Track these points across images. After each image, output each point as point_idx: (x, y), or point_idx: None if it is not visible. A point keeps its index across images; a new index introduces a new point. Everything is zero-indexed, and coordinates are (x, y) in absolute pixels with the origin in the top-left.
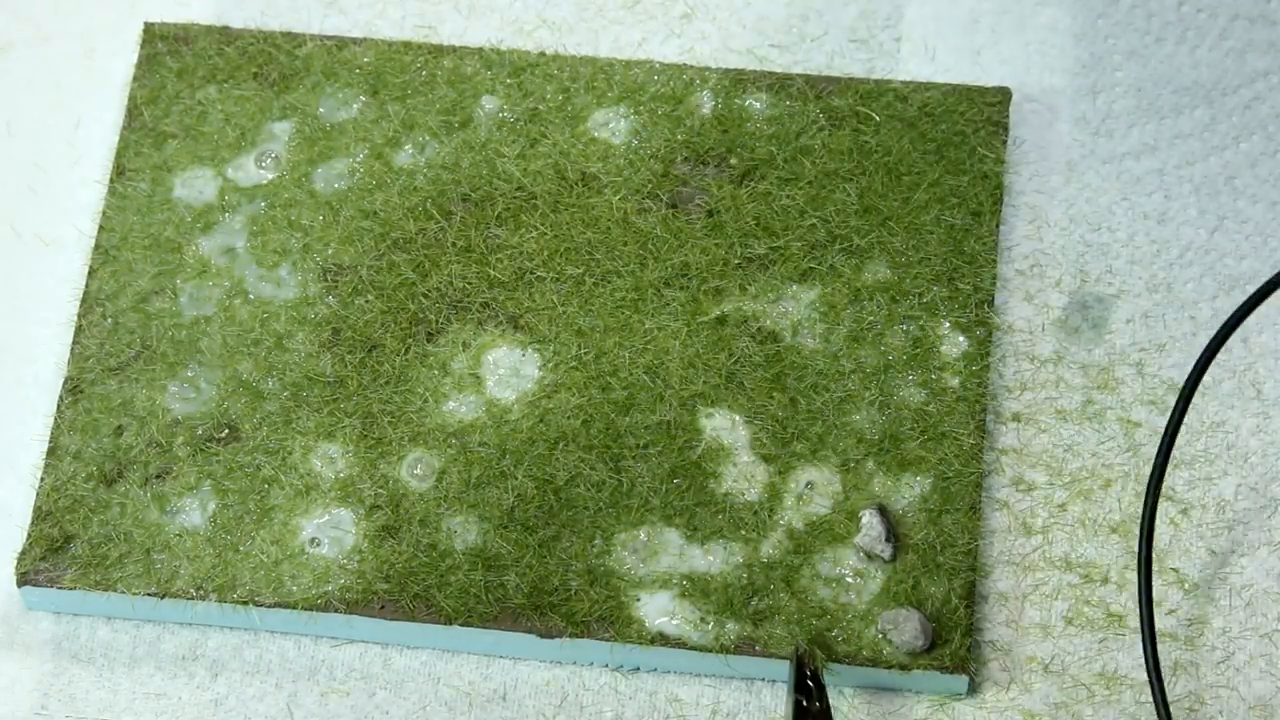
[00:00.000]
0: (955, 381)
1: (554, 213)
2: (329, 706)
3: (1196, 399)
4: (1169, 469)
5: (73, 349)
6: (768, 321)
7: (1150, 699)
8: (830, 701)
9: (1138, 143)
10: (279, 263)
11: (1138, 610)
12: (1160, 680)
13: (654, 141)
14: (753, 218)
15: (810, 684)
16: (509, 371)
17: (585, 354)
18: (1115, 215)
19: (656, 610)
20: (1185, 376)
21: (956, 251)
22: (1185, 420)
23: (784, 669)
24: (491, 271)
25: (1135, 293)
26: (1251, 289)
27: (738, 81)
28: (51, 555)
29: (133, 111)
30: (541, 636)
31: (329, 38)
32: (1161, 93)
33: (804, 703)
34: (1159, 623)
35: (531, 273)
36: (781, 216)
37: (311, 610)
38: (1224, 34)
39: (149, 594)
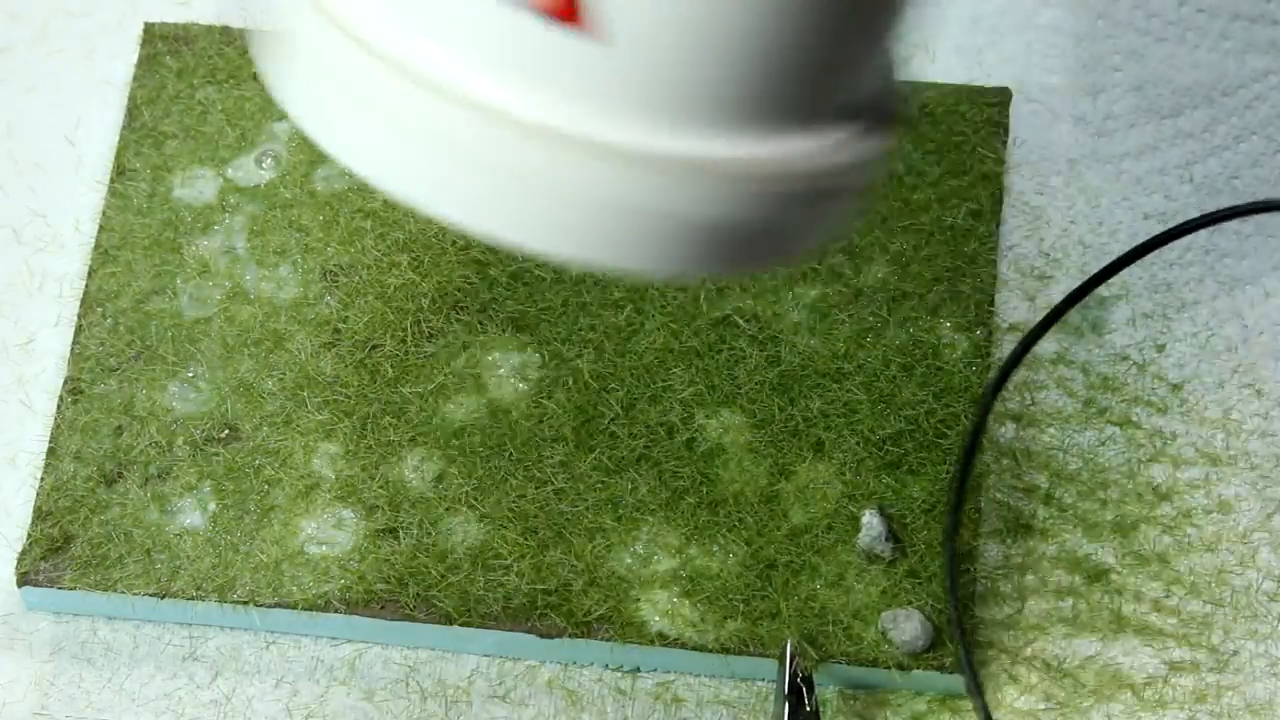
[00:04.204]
0: (955, 381)
1: None
2: (329, 706)
3: (1196, 398)
4: (1170, 469)
5: (73, 349)
6: (768, 322)
7: (1159, 697)
8: (820, 701)
9: (1138, 143)
10: (279, 263)
11: (1136, 609)
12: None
13: None
14: None
15: (800, 684)
16: (509, 371)
17: (585, 354)
18: (1115, 215)
19: (656, 610)
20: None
21: (956, 251)
22: (1185, 419)
23: None
24: (491, 271)
25: (1135, 293)
26: (1252, 289)
27: None
28: (51, 555)
29: (133, 111)
30: (541, 636)
31: None
32: (1161, 93)
33: (793, 703)
34: (1160, 624)
35: (531, 273)
36: None
37: (311, 610)
38: (1224, 34)
39: (149, 594)
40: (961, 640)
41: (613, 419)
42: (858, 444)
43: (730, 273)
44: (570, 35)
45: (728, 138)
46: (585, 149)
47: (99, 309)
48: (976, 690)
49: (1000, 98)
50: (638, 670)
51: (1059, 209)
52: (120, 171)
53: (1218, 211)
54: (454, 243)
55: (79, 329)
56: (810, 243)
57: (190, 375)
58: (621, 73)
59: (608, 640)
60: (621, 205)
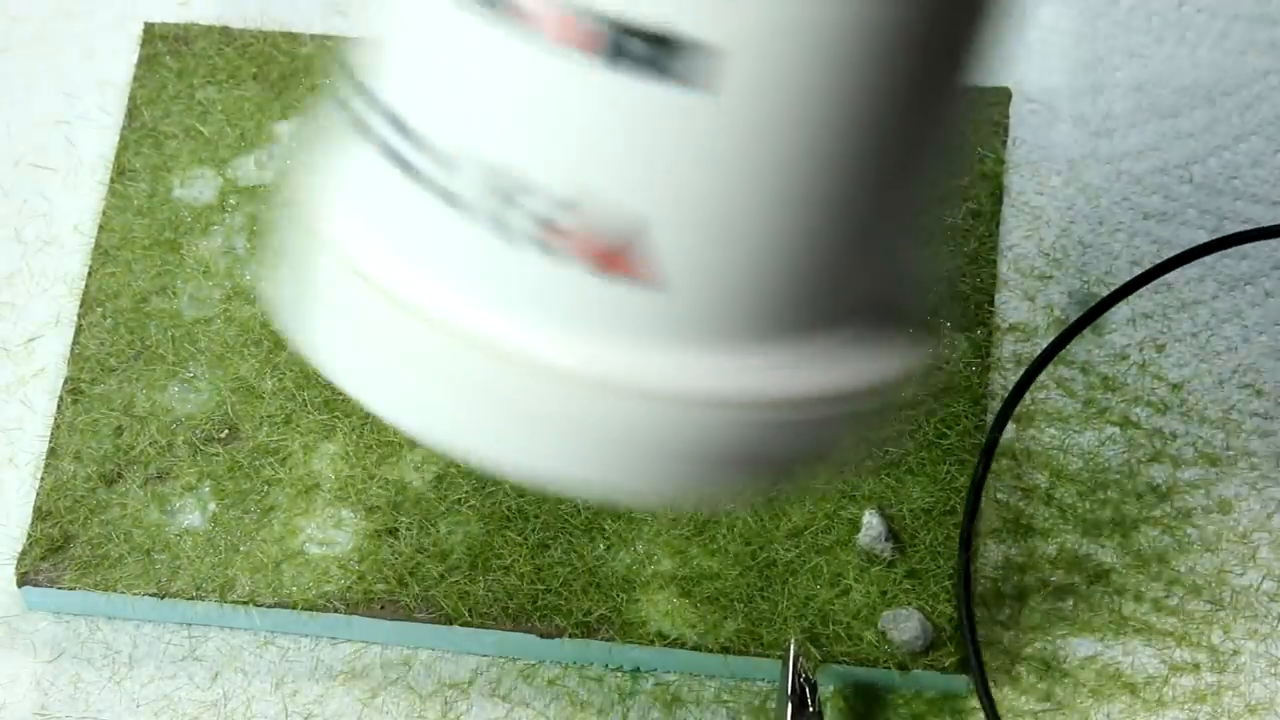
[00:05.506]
0: (955, 382)
1: None
2: (329, 706)
3: (1196, 398)
4: (1170, 469)
5: (73, 349)
6: None
7: (1159, 697)
8: (824, 703)
9: (1138, 143)
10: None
11: (1136, 609)
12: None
13: None
14: None
15: (804, 686)
16: None
17: None
18: (1115, 215)
19: (656, 610)
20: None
21: (956, 251)
22: (1185, 419)
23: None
24: None
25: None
26: (1252, 290)
27: None
28: (51, 555)
29: (133, 111)
30: (542, 636)
31: (329, 38)
32: (1161, 93)
33: (797, 705)
34: (1160, 624)
35: None
36: None
37: (311, 610)
38: (1224, 34)
39: (149, 594)
40: (975, 653)
41: None
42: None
43: (757, 491)
44: (620, 283)
45: (770, 362)
46: (634, 391)
47: (99, 309)
48: (988, 703)
49: (1000, 98)
50: (638, 670)
51: (1059, 209)
52: (120, 171)
53: (1240, 234)
54: None
55: (79, 329)
56: (823, 458)
57: (190, 375)
58: (674, 313)
59: (608, 640)
60: (651, 437)
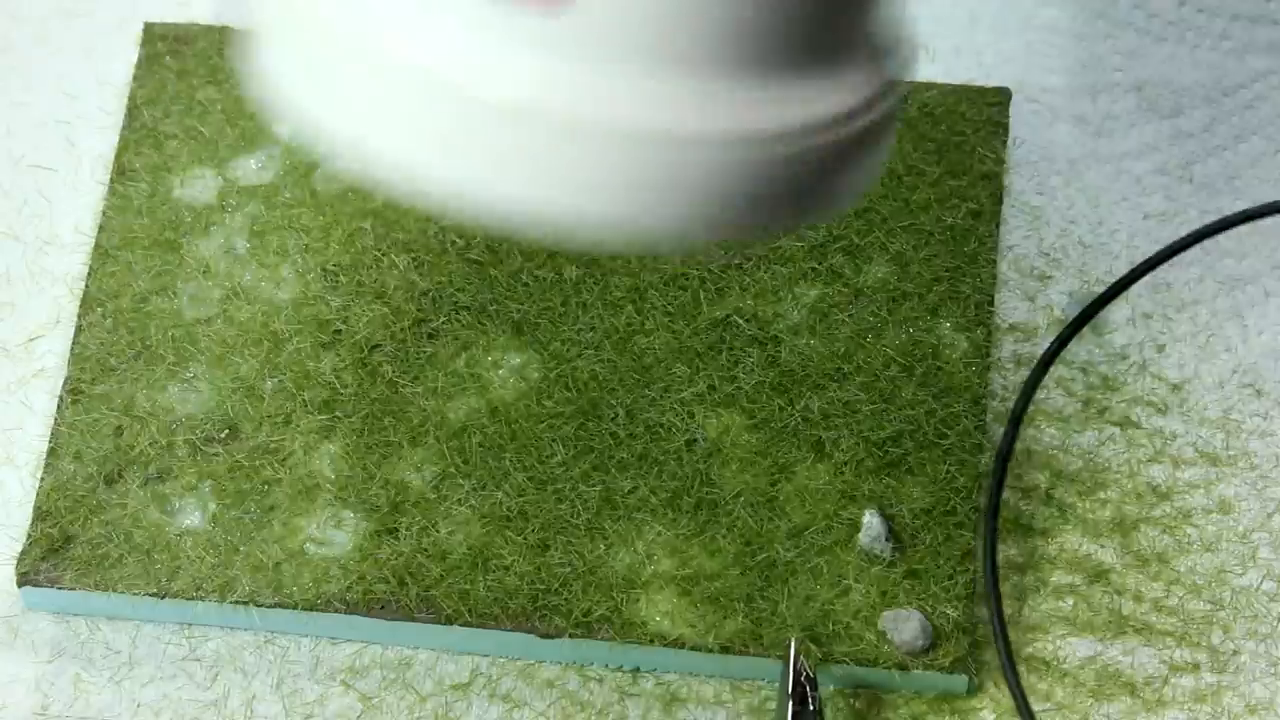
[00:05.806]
0: (955, 381)
1: None
2: (329, 706)
3: (1196, 398)
4: (1170, 469)
5: (73, 349)
6: (768, 322)
7: (1159, 697)
8: (823, 701)
9: (1138, 143)
10: (279, 263)
11: (1136, 609)
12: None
13: None
14: None
15: (804, 684)
16: (509, 371)
17: (585, 354)
18: (1115, 215)
19: (656, 610)
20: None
21: (956, 251)
22: (1185, 419)
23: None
24: (491, 271)
25: (1135, 293)
26: (1252, 289)
27: None
28: (51, 555)
29: (133, 111)
30: (542, 636)
31: None
32: (1161, 93)
33: (797, 702)
34: (1160, 624)
35: (531, 273)
36: None
37: (311, 610)
38: (1224, 34)
39: (149, 594)
40: (1008, 659)
41: (613, 419)
42: (858, 444)
43: (751, 234)
44: (550, 11)
45: (734, 86)
46: (591, 119)
47: (99, 309)
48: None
49: (1000, 98)
50: (638, 670)
51: (1059, 209)
52: (120, 171)
53: (1232, 216)
54: (454, 243)
55: (79, 329)
56: (835, 198)
57: (190, 375)
58: (599, 34)
59: (608, 640)
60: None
